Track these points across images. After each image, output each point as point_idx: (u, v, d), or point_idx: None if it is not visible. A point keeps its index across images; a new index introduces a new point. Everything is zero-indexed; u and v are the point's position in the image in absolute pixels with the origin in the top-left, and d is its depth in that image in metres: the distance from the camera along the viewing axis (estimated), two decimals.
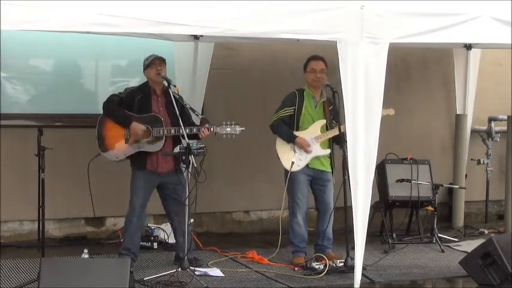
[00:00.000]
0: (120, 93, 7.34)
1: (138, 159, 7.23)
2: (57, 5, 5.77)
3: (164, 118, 7.18)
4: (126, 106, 7.23)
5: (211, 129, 7.16)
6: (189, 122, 7.24)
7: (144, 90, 7.30)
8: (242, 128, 7.22)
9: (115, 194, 8.25)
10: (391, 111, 7.72)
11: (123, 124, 7.19)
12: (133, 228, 7.26)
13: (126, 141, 7.20)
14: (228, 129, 7.18)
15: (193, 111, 7.35)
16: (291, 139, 7.57)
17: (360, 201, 6.48)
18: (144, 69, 7.32)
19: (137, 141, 7.17)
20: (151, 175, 7.24)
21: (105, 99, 7.35)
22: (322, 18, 6.39)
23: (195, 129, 7.15)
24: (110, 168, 7.81)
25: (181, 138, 7.02)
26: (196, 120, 7.48)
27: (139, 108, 7.22)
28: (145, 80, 7.38)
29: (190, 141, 6.97)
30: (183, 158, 6.90)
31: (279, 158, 7.63)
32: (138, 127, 7.13)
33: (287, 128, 7.60)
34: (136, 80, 8.62)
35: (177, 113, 7.04)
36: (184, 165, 6.93)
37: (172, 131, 7.10)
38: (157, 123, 7.15)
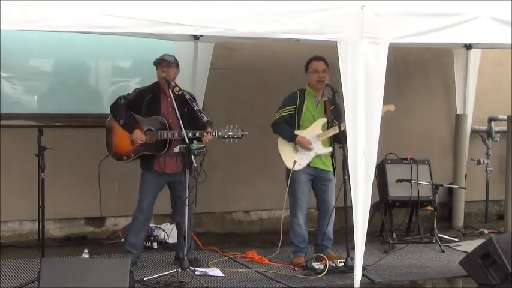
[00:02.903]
0: (128, 94, 7.34)
1: (146, 160, 7.28)
2: (58, 5, 5.77)
3: (172, 119, 7.18)
4: (135, 107, 7.23)
5: (214, 133, 7.15)
6: (198, 124, 7.19)
7: (153, 90, 7.31)
8: (245, 132, 7.21)
9: (115, 194, 8.25)
10: (392, 107, 7.70)
11: (127, 130, 7.22)
12: (138, 225, 7.34)
13: (132, 143, 7.22)
14: (231, 133, 7.17)
15: (201, 113, 7.35)
16: (291, 138, 7.57)
17: (360, 201, 6.48)
18: (156, 67, 7.31)
19: (142, 145, 7.18)
20: (159, 175, 7.28)
21: (112, 101, 7.36)
22: (322, 18, 6.39)
23: (197, 133, 7.14)
24: (110, 169, 7.80)
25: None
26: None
27: (147, 108, 7.24)
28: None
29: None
30: (183, 158, 6.92)
31: (281, 157, 7.62)
32: (138, 136, 7.16)
33: (288, 127, 7.60)
34: (136, 80, 8.65)
35: (177, 113, 7.05)
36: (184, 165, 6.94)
37: (176, 135, 7.10)
38: (162, 127, 7.17)
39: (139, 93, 7.30)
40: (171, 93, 7.17)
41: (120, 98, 7.32)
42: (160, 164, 7.24)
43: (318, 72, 7.56)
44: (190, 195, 6.98)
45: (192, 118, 7.17)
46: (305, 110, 7.61)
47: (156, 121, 7.20)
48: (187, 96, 7.20)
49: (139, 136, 7.17)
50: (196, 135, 7.12)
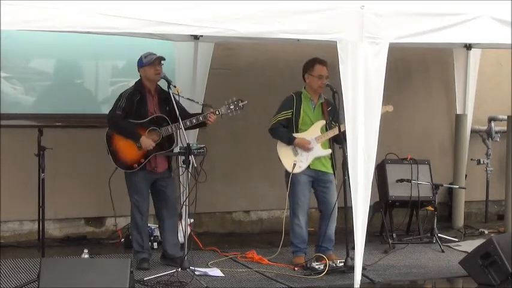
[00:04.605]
0: (119, 101, 7.23)
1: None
2: (58, 5, 5.77)
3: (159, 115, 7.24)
4: (129, 111, 7.21)
5: (217, 112, 7.19)
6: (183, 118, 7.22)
7: (140, 90, 7.28)
8: (245, 102, 7.25)
9: (115, 194, 8.23)
10: (390, 108, 7.71)
11: (132, 139, 7.19)
12: (140, 226, 7.37)
13: (139, 148, 7.19)
14: (232, 106, 7.21)
15: (192, 100, 7.39)
16: (290, 141, 7.56)
17: (359, 201, 6.48)
18: (141, 67, 7.29)
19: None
20: (148, 174, 7.30)
21: (110, 107, 7.36)
22: (322, 18, 6.39)
23: (201, 117, 7.18)
24: (109, 169, 7.80)
25: (180, 138, 7.06)
26: (198, 109, 7.53)
27: (136, 109, 7.23)
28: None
29: (190, 142, 7.00)
30: (183, 158, 6.94)
31: (280, 160, 7.62)
32: (148, 143, 7.14)
33: (286, 131, 7.59)
34: (136, 80, 8.62)
35: (177, 113, 7.06)
36: (185, 165, 6.94)
37: (181, 125, 7.04)
38: (163, 122, 7.20)
39: (129, 97, 7.24)
40: (171, 92, 7.17)
41: (113, 110, 7.25)
42: (151, 164, 7.24)
43: (322, 78, 7.53)
44: (190, 195, 7.00)
45: (172, 114, 7.14)
46: (303, 114, 7.59)
47: (157, 119, 7.22)
48: (171, 92, 7.16)
49: (147, 144, 7.12)
50: (201, 119, 7.17)
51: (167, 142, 7.23)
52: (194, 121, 7.15)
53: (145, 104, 7.26)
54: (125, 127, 7.21)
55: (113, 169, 7.41)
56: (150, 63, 7.22)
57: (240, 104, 7.24)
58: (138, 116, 7.22)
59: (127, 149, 7.22)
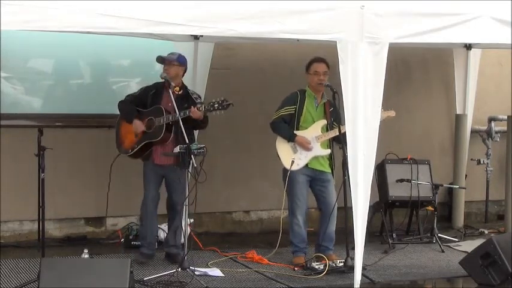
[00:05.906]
0: (135, 92, 7.63)
1: (145, 151, 7.47)
2: (58, 5, 5.78)
3: (171, 112, 7.26)
4: (141, 102, 7.47)
5: (201, 108, 7.21)
6: (197, 120, 7.31)
7: (157, 86, 7.50)
8: (230, 102, 7.17)
9: (115, 194, 8.25)
10: (392, 113, 7.69)
11: (128, 121, 7.47)
12: (143, 217, 7.55)
13: (136, 135, 7.43)
14: (216, 105, 7.20)
15: (194, 95, 7.55)
16: (290, 138, 7.57)
17: (359, 201, 6.48)
18: None
19: (144, 134, 7.37)
20: (155, 166, 7.46)
21: (117, 102, 7.59)
22: (322, 18, 6.39)
23: (187, 111, 7.21)
24: (109, 169, 7.81)
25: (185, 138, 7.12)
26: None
27: (151, 102, 7.44)
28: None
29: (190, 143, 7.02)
30: (183, 157, 6.95)
31: (279, 156, 7.62)
32: (137, 126, 7.40)
33: (287, 127, 7.60)
34: (136, 80, 8.63)
35: (177, 112, 7.11)
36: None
37: (170, 118, 7.21)
38: (160, 114, 7.29)
39: (145, 89, 7.55)
40: (170, 92, 7.22)
41: (127, 95, 7.62)
42: (153, 155, 7.43)
43: (318, 74, 7.55)
44: (190, 195, 7.01)
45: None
46: (305, 111, 7.61)
47: (155, 109, 7.37)
48: (191, 92, 7.42)
49: (138, 126, 7.39)
50: (187, 113, 7.20)
51: (159, 131, 7.28)
52: (182, 114, 7.16)
53: (160, 98, 7.42)
54: (125, 109, 7.52)
55: (114, 169, 7.45)
56: (159, 62, 7.43)
57: (224, 104, 7.21)
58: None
59: (127, 134, 7.49)
